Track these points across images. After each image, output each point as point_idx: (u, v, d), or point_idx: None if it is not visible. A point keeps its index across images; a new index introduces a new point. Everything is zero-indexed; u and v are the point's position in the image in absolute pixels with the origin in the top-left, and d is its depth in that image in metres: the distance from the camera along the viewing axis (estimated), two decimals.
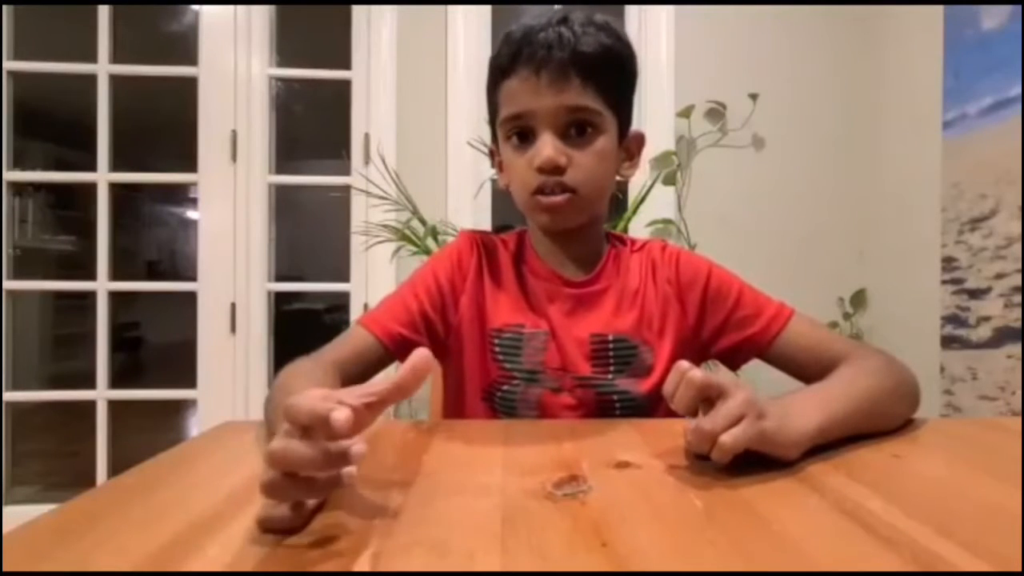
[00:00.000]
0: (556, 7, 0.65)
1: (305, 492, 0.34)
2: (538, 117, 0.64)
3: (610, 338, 0.69)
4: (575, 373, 0.68)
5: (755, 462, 0.42)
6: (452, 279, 0.71)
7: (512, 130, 0.67)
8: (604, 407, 0.67)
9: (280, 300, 1.90)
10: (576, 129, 0.65)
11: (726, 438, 0.40)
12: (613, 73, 0.66)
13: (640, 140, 0.73)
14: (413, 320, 0.68)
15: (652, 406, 0.68)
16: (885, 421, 0.54)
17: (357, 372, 0.63)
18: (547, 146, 0.63)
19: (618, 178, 0.72)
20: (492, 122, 0.72)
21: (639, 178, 1.66)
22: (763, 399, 0.44)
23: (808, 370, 0.65)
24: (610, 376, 0.68)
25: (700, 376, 0.42)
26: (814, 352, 0.65)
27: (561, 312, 0.70)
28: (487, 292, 0.72)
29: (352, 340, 0.66)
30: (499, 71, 0.66)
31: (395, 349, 0.66)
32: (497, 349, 0.69)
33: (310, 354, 0.63)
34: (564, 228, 0.70)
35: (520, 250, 0.75)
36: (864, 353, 0.63)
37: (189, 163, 1.75)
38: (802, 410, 0.46)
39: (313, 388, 0.38)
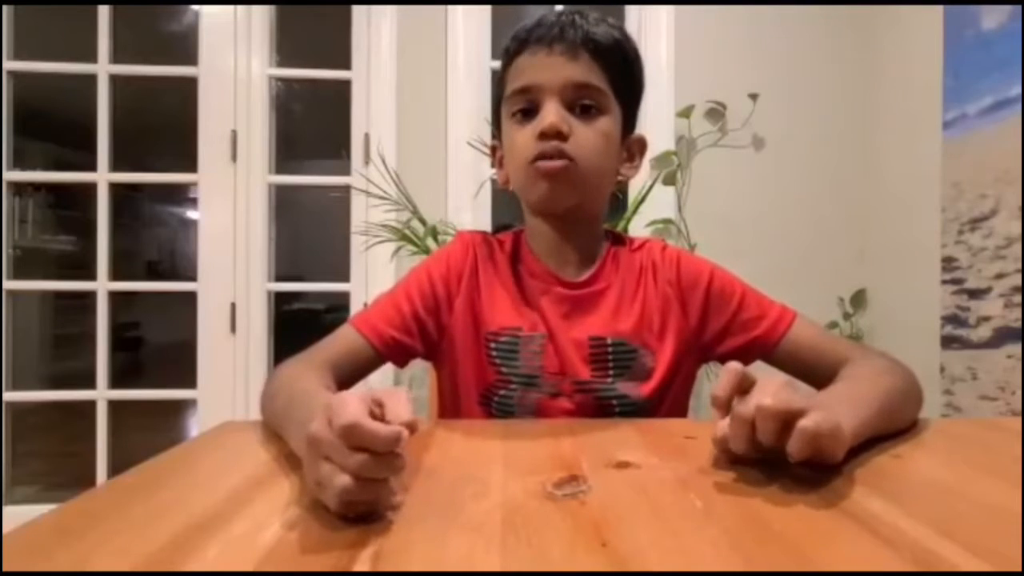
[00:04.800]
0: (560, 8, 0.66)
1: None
2: (545, 89, 0.65)
3: (609, 341, 0.68)
4: (574, 377, 0.67)
5: (759, 462, 0.42)
6: (447, 280, 0.71)
7: (517, 105, 0.67)
8: (603, 412, 0.67)
9: (280, 300, 1.90)
10: (581, 108, 0.66)
11: (807, 423, 0.37)
12: (621, 63, 0.67)
13: (642, 144, 0.74)
14: (405, 322, 0.68)
15: (652, 410, 0.68)
16: (902, 422, 0.54)
17: (349, 373, 0.63)
18: (551, 113, 0.64)
19: (619, 177, 0.72)
20: (496, 110, 0.72)
21: (639, 179, 1.67)
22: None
23: (814, 371, 0.65)
24: (609, 380, 0.67)
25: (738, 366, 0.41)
26: (819, 353, 0.65)
27: (559, 314, 0.69)
28: (483, 294, 0.71)
29: (344, 341, 0.65)
30: (510, 54, 0.68)
31: (386, 352, 0.66)
32: (494, 353, 0.68)
33: (299, 354, 0.63)
34: (560, 205, 0.68)
35: (516, 250, 0.74)
36: (869, 354, 0.63)
37: (189, 163, 1.75)
38: (838, 410, 0.43)
39: (327, 391, 0.38)
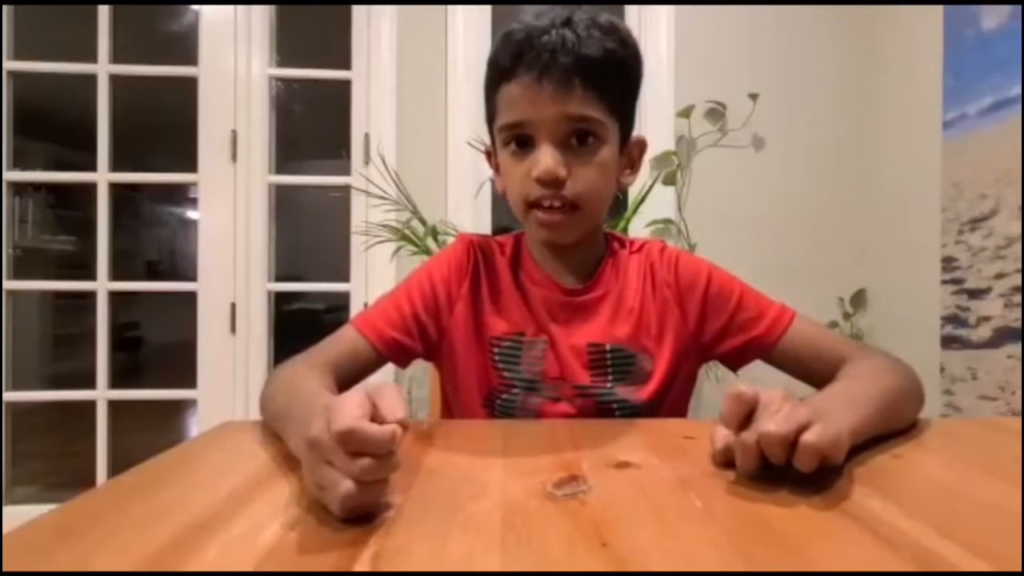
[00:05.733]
0: (557, 7, 0.63)
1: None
2: (538, 126, 0.62)
3: (607, 348, 0.68)
4: (573, 382, 0.67)
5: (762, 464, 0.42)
6: (448, 283, 0.71)
7: (510, 137, 0.64)
8: (603, 416, 0.67)
9: (280, 300, 1.90)
10: (577, 139, 0.62)
11: (810, 438, 0.37)
12: (617, 79, 0.64)
13: (642, 146, 0.72)
14: (406, 324, 0.68)
15: (652, 413, 0.68)
16: (901, 422, 0.54)
17: (350, 374, 0.63)
18: (546, 157, 0.61)
19: (618, 185, 0.71)
20: (490, 123, 0.70)
21: (639, 179, 1.66)
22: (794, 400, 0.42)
23: (814, 371, 0.65)
24: (609, 385, 0.68)
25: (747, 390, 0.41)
26: (819, 352, 0.65)
27: (558, 321, 0.70)
28: (485, 299, 0.71)
29: (345, 342, 0.65)
30: (499, 74, 0.63)
31: (387, 352, 0.66)
32: (497, 357, 0.69)
33: (299, 355, 0.63)
34: (562, 243, 0.69)
35: (517, 255, 0.74)
36: (869, 353, 0.63)
37: (189, 163, 1.75)
38: (836, 412, 0.44)
39: (327, 392, 0.37)
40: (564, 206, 0.63)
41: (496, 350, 0.69)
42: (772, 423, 0.38)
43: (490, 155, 0.74)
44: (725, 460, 0.42)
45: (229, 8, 1.75)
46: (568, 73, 0.59)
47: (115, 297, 1.77)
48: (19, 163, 1.84)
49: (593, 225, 0.70)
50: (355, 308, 1.77)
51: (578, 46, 0.59)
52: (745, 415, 0.41)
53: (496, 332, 0.69)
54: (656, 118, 1.74)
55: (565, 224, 0.64)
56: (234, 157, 1.75)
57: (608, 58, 0.61)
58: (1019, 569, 0.29)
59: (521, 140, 0.64)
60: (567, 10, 0.62)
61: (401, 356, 0.68)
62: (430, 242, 1.54)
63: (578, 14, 0.61)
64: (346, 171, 1.77)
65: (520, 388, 0.68)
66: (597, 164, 0.63)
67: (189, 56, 1.75)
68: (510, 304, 0.71)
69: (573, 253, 0.71)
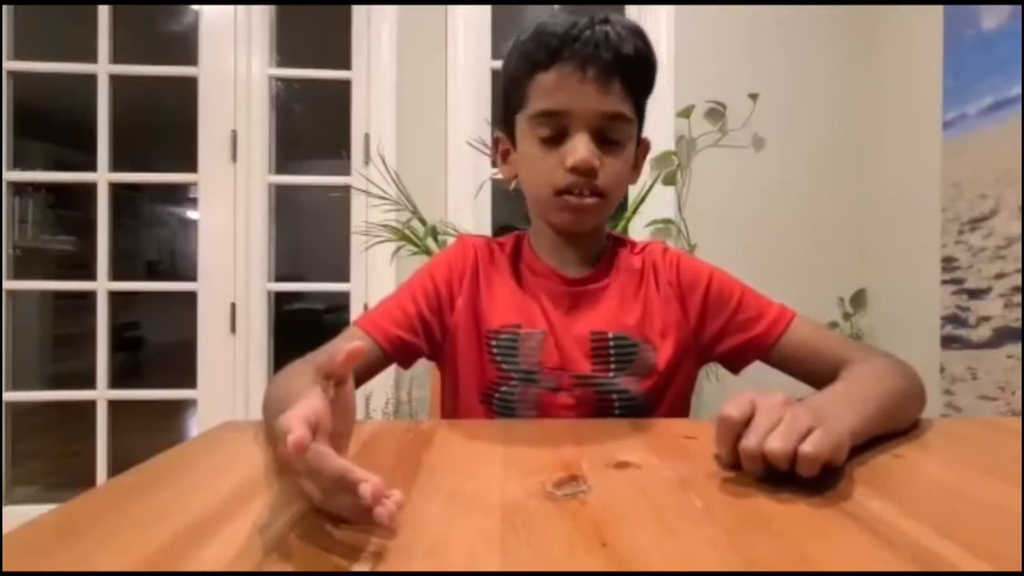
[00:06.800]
0: (559, 7, 0.64)
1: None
2: (576, 117, 0.63)
3: (610, 336, 0.69)
4: (574, 372, 0.67)
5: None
6: (449, 282, 0.71)
7: (544, 128, 0.65)
8: (603, 406, 0.67)
9: (280, 300, 1.90)
10: (607, 133, 0.65)
11: (808, 449, 0.37)
12: (645, 81, 0.67)
13: (646, 148, 0.74)
14: (411, 323, 0.68)
15: (652, 406, 0.68)
16: (902, 423, 0.54)
17: (354, 374, 0.63)
18: (583, 147, 0.63)
19: None
20: (507, 111, 0.70)
21: (639, 178, 1.66)
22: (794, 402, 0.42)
23: (813, 372, 0.65)
24: (610, 375, 0.68)
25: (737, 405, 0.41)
26: (818, 354, 0.65)
27: (560, 310, 0.70)
28: (483, 294, 0.72)
29: (349, 341, 0.65)
30: (535, 63, 0.64)
31: (393, 352, 0.67)
32: (494, 350, 0.69)
33: (305, 356, 0.63)
34: (583, 230, 0.70)
35: (517, 250, 0.75)
36: (871, 354, 0.64)
37: (189, 163, 1.75)
38: (837, 413, 0.44)
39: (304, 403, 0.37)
40: (595, 194, 0.65)
41: (494, 343, 0.69)
42: (776, 440, 0.38)
43: (497, 142, 0.74)
44: (730, 462, 0.42)
45: (229, 8, 1.74)
46: (609, 69, 0.62)
47: (115, 297, 1.77)
48: (19, 163, 1.84)
49: (608, 216, 0.72)
50: (355, 308, 1.77)
51: (619, 44, 0.63)
52: (737, 435, 0.41)
53: (493, 325, 0.70)
54: (656, 118, 1.73)
55: (592, 210, 0.66)
56: (234, 157, 1.75)
57: (640, 59, 0.65)
58: (1019, 569, 0.29)
59: (553, 129, 0.65)
60: (603, 11, 0.64)
61: (406, 356, 0.69)
62: (430, 242, 1.54)
63: (613, 15, 0.64)
64: (346, 171, 1.77)
65: (518, 380, 0.68)
66: (623, 160, 0.67)
67: (189, 56, 1.75)
68: (508, 297, 0.71)
69: (580, 243, 0.72)
